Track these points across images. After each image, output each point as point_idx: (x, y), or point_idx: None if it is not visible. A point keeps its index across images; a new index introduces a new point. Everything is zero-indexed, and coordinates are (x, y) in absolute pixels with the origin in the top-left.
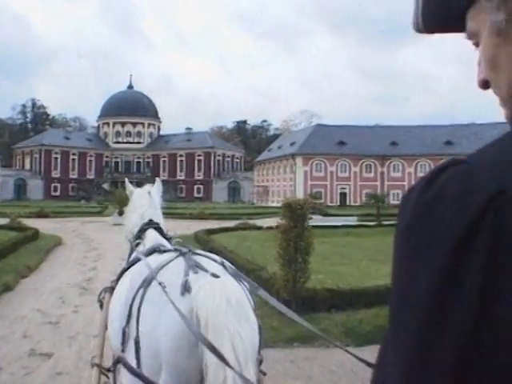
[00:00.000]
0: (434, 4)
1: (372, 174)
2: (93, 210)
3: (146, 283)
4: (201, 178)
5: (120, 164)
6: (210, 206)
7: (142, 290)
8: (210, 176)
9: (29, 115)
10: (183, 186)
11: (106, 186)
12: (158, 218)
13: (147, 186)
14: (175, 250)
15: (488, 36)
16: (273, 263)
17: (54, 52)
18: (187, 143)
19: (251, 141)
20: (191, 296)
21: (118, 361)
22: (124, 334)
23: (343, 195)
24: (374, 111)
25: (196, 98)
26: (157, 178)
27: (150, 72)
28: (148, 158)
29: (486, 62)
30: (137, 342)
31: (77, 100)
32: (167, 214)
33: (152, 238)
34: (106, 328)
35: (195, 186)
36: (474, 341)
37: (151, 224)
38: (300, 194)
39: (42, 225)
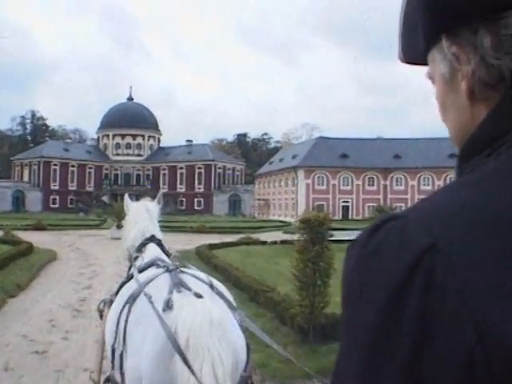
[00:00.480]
0: (406, 44)
1: (375, 187)
2: (91, 223)
3: (132, 299)
4: (201, 190)
5: (120, 176)
6: (211, 219)
7: (127, 306)
8: (210, 189)
9: (28, 127)
10: (183, 198)
11: (105, 198)
12: (158, 233)
13: (145, 201)
14: (163, 266)
15: (438, 83)
16: (283, 283)
17: (55, 64)
18: (188, 156)
19: (252, 154)
20: (171, 314)
21: (108, 379)
22: (113, 351)
23: (346, 208)
24: (375, 124)
25: (196, 111)
26: (160, 191)
27: (150, 85)
28: (148, 170)
29: (438, 105)
30: (121, 358)
31: (77, 112)
32: (167, 228)
33: (152, 252)
34: (103, 343)
35: (195, 199)
36: None
37: (153, 239)
38: (302, 208)
39: (38, 238)
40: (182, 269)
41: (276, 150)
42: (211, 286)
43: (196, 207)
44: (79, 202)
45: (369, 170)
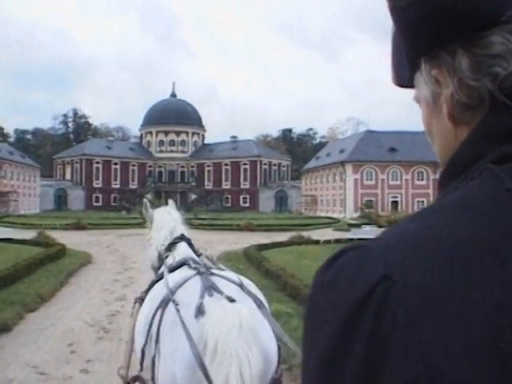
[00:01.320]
0: (395, 68)
1: (424, 182)
2: (133, 222)
3: (164, 303)
4: (247, 187)
5: (164, 173)
6: (257, 216)
7: (160, 311)
8: (256, 185)
9: (70, 125)
10: (229, 195)
11: (149, 196)
12: (187, 233)
13: (165, 207)
14: (194, 268)
15: (423, 107)
16: None
17: (97, 64)
18: (232, 152)
19: (297, 149)
20: (204, 320)
21: (136, 379)
22: (143, 353)
23: (395, 204)
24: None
25: (240, 107)
26: (170, 200)
27: (192, 82)
28: (192, 167)
29: (424, 128)
30: (153, 362)
31: (119, 111)
32: (212, 226)
33: (182, 251)
34: (133, 340)
35: (241, 196)
36: None
37: (183, 238)
38: (350, 203)
39: (76, 238)
40: (213, 270)
41: (321, 145)
42: (241, 286)
43: (242, 204)
44: (122, 200)
45: (418, 164)
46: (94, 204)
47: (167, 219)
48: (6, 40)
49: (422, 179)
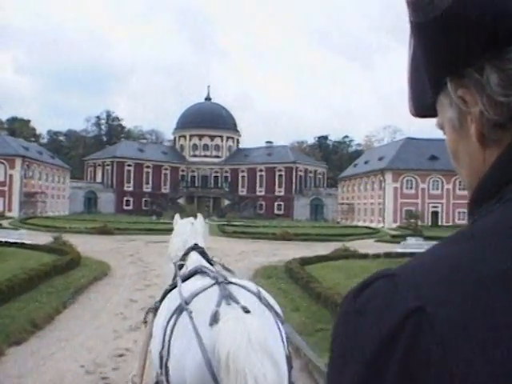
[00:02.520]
0: (414, 96)
1: (466, 192)
2: (162, 227)
3: (179, 311)
4: (282, 194)
5: (197, 178)
6: (292, 224)
7: (174, 318)
8: (291, 192)
9: (103, 127)
10: (263, 202)
11: (181, 200)
12: (202, 243)
13: (189, 218)
14: (213, 277)
15: (448, 131)
16: None
17: (130, 67)
18: (267, 157)
19: (332, 157)
20: (216, 328)
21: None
22: (161, 358)
23: (435, 214)
24: None
25: (273, 114)
26: (198, 214)
27: (226, 87)
28: (226, 172)
29: (450, 154)
30: (166, 368)
31: (154, 115)
32: (246, 234)
33: (194, 260)
34: (147, 349)
35: (275, 203)
36: None
37: (196, 248)
38: (389, 213)
39: (98, 244)
40: (231, 279)
41: (357, 153)
42: (259, 297)
43: (276, 211)
44: (154, 205)
45: None
46: (125, 208)
47: (183, 230)
48: (43, 42)
49: (464, 189)
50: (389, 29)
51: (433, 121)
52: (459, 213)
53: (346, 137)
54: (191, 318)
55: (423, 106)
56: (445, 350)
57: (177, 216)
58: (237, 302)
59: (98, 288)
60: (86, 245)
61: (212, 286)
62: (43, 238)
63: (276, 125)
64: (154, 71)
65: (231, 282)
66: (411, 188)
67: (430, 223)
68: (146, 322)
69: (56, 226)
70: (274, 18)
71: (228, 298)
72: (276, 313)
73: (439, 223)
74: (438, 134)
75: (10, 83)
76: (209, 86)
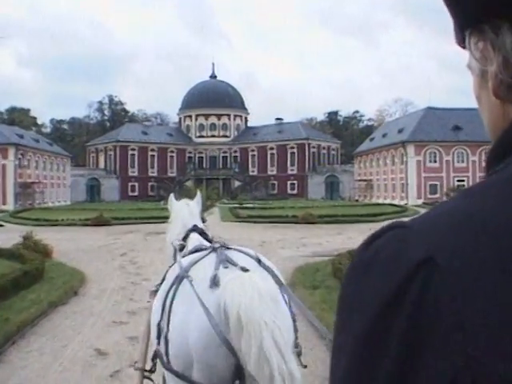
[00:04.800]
0: (454, 30)
1: None
2: (166, 214)
3: (179, 279)
4: (294, 172)
5: (205, 160)
6: (309, 203)
7: (174, 287)
8: (304, 170)
9: (106, 112)
10: (275, 181)
11: (188, 184)
12: (201, 225)
13: (185, 200)
14: (210, 246)
15: (473, 76)
16: None
17: (133, 54)
18: (278, 135)
19: (343, 132)
20: (219, 290)
21: (155, 355)
22: (159, 328)
23: (459, 188)
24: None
25: (279, 94)
26: (198, 192)
27: (230, 69)
28: (235, 152)
29: (474, 96)
30: (166, 338)
31: (158, 101)
32: (263, 218)
33: (195, 240)
34: (149, 333)
35: (288, 182)
36: None
37: (196, 229)
38: (413, 189)
39: (85, 241)
40: (228, 245)
41: (368, 128)
42: (258, 261)
43: (289, 191)
44: (160, 189)
45: (485, 144)
46: (130, 194)
47: (181, 213)
48: (43, 34)
49: None
50: (390, 6)
51: (449, 90)
52: None
53: (357, 112)
54: (191, 285)
55: (458, 40)
56: (456, 301)
57: (171, 196)
58: (234, 264)
59: (53, 322)
60: (70, 242)
61: (209, 253)
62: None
63: (282, 104)
64: (157, 57)
65: (228, 248)
66: (435, 161)
67: None
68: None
69: (47, 218)
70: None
71: (225, 261)
72: (276, 276)
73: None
74: (459, 104)
75: (12, 76)
76: (213, 64)
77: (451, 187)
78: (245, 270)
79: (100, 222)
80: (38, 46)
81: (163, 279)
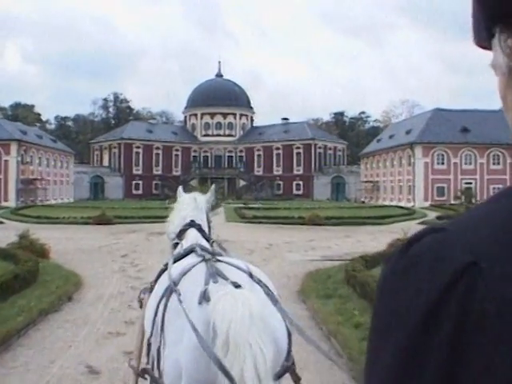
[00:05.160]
0: (474, 29)
1: (501, 166)
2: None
3: (168, 293)
4: (300, 172)
5: (210, 159)
6: (315, 204)
7: (164, 300)
8: (310, 171)
9: (111, 110)
10: (280, 182)
11: (193, 183)
12: (202, 220)
13: (195, 193)
14: (199, 255)
15: (499, 75)
16: None
17: (139, 52)
18: (284, 135)
19: (349, 133)
20: (209, 307)
21: (144, 372)
22: (149, 345)
23: (468, 191)
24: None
25: (284, 94)
26: (212, 186)
27: (236, 69)
28: (241, 151)
29: (500, 97)
30: (158, 352)
31: (163, 100)
32: (269, 219)
33: (191, 237)
34: (143, 330)
35: (294, 182)
36: None
37: (193, 224)
38: (420, 191)
39: (85, 240)
40: (219, 257)
41: (374, 129)
42: (250, 275)
43: (295, 191)
44: (165, 188)
45: (493, 146)
46: (134, 192)
47: (184, 206)
48: (50, 31)
49: (499, 163)
50: (395, 7)
51: (455, 92)
52: (494, 189)
53: (363, 113)
54: (180, 300)
55: (482, 40)
56: (500, 310)
57: (180, 188)
58: (225, 279)
59: (43, 333)
60: (70, 241)
61: (199, 263)
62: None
63: (288, 104)
64: (163, 55)
65: (219, 260)
66: (442, 163)
67: (463, 201)
68: (141, 303)
69: (48, 216)
70: (281, 1)
71: (215, 275)
72: (267, 288)
73: (472, 200)
74: (467, 105)
75: (17, 72)
76: (220, 62)
77: (461, 189)
78: (236, 285)
79: (102, 221)
80: (44, 42)
81: (157, 278)
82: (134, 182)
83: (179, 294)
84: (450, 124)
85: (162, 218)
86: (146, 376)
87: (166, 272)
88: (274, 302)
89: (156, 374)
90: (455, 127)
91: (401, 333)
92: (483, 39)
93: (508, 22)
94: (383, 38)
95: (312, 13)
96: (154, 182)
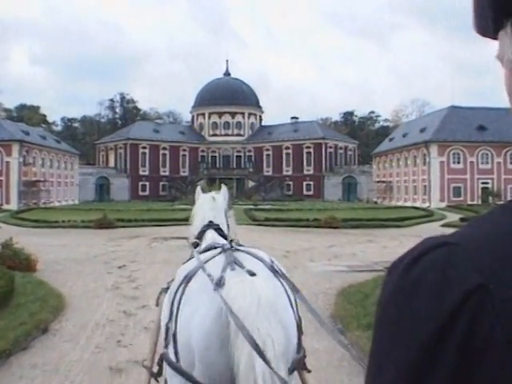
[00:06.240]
0: (478, 20)
1: None
2: (179, 216)
3: (187, 279)
4: (310, 172)
5: (218, 159)
6: (328, 206)
7: (182, 286)
8: (321, 171)
9: (118, 110)
10: (290, 182)
11: (201, 183)
12: (220, 220)
13: (212, 193)
14: (221, 246)
15: (506, 70)
16: None
17: (146, 54)
18: (294, 134)
19: (359, 133)
20: (223, 293)
21: (162, 358)
22: (167, 330)
23: (485, 191)
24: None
25: (292, 94)
26: (223, 185)
27: (243, 69)
28: (249, 151)
29: (506, 91)
30: (174, 336)
31: (170, 102)
32: (282, 221)
33: (210, 238)
34: (159, 330)
35: (304, 183)
36: None
37: (211, 225)
38: (436, 191)
39: (84, 247)
40: (238, 247)
41: (384, 128)
42: (266, 263)
43: (305, 192)
44: (172, 189)
45: (511, 145)
46: (141, 193)
47: (203, 207)
48: (56, 31)
49: None
50: (401, 7)
51: (464, 92)
52: (511, 189)
53: (373, 112)
54: (197, 285)
55: (486, 30)
56: (508, 335)
57: (198, 189)
58: (242, 267)
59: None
60: (64, 249)
61: (219, 254)
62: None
63: (296, 105)
64: (170, 56)
65: (238, 249)
66: (458, 162)
67: (479, 201)
68: (157, 303)
69: (47, 219)
70: (287, 2)
71: (232, 263)
72: (287, 280)
73: (489, 201)
74: (483, 103)
75: (25, 74)
76: (227, 61)
77: (486, 190)
78: (251, 273)
79: (103, 225)
80: (51, 44)
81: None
82: (140, 183)
83: (197, 281)
84: (466, 122)
85: (167, 221)
86: (155, 375)
87: (183, 265)
88: (296, 291)
89: (173, 357)
90: (471, 125)
91: (404, 355)
92: (488, 30)
93: None
94: (391, 38)
95: (319, 13)
96: (161, 183)
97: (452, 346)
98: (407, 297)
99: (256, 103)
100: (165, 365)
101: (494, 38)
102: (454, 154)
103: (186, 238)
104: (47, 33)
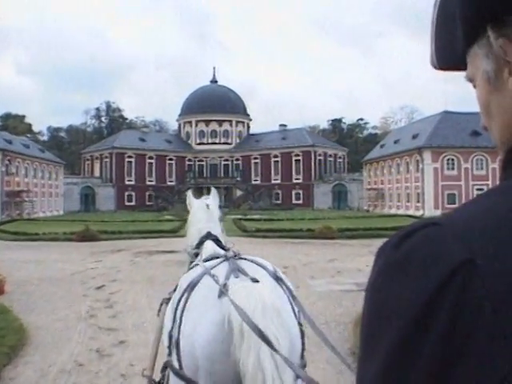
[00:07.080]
0: (440, 45)
1: None
2: (166, 228)
3: (191, 287)
4: (300, 181)
5: (205, 168)
6: (318, 215)
7: (186, 294)
8: (310, 179)
9: (104, 119)
10: (279, 191)
11: (189, 193)
12: (216, 231)
13: (204, 198)
14: (223, 255)
15: (480, 83)
16: None
17: (132, 64)
18: (282, 142)
19: (347, 141)
20: (226, 300)
21: (166, 365)
22: (170, 337)
23: None
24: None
25: (279, 102)
26: (212, 189)
27: (230, 78)
28: (237, 160)
29: (480, 108)
30: (177, 344)
31: (157, 112)
32: (273, 232)
33: (209, 248)
34: (159, 340)
35: (293, 191)
36: None
37: (209, 236)
38: (430, 198)
39: (62, 264)
40: (242, 255)
41: (373, 135)
42: (269, 271)
43: (294, 201)
44: (159, 199)
45: None
46: (127, 203)
47: (198, 217)
48: (43, 42)
49: None
50: (387, 15)
51: (452, 98)
52: None
53: (361, 119)
54: (201, 293)
55: (450, 58)
56: (496, 307)
57: (189, 193)
58: (245, 274)
59: None
60: (38, 266)
61: (222, 262)
62: None
63: (283, 113)
64: (156, 66)
65: (241, 258)
66: (453, 168)
67: None
68: (159, 313)
69: (27, 232)
70: (271, 8)
71: (236, 270)
72: (289, 289)
73: None
74: (476, 108)
75: (11, 84)
76: (214, 68)
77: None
78: (255, 280)
79: (85, 237)
80: (38, 54)
81: (176, 287)
82: (126, 193)
83: (200, 288)
84: (459, 127)
85: (153, 233)
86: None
87: (184, 275)
88: (290, 297)
89: (176, 365)
90: (465, 131)
91: (394, 332)
92: (453, 55)
93: (498, 19)
94: (377, 45)
95: (307, 22)
96: (148, 193)
97: (441, 319)
98: (395, 275)
99: (243, 111)
100: (167, 373)
101: (457, 66)
102: (447, 160)
103: (171, 252)
104: (34, 42)
